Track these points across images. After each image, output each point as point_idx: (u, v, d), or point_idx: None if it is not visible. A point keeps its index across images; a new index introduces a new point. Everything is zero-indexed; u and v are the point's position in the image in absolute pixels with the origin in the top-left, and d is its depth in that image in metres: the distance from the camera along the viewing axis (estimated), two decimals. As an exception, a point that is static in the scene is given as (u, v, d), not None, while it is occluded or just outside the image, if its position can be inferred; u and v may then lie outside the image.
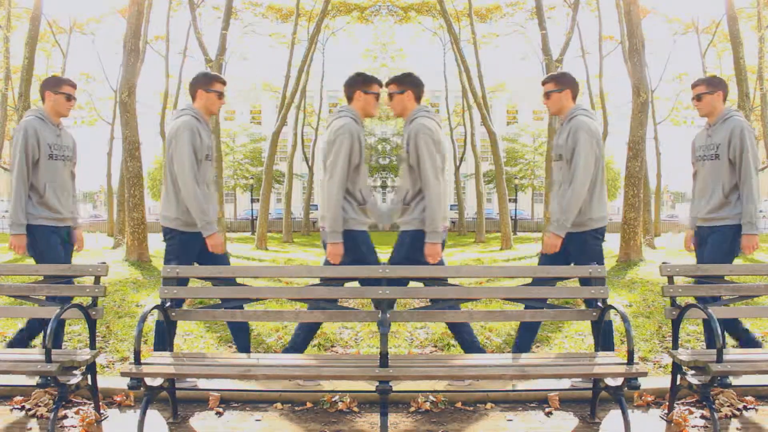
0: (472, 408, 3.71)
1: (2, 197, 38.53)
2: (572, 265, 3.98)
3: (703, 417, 3.50)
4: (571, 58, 26.73)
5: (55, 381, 3.19)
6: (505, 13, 27.23)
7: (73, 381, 3.31)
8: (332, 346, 5.26)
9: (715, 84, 4.12)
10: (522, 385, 3.88)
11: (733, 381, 3.68)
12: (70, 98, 4.10)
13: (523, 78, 38.31)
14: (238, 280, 3.93)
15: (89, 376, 3.45)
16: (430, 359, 3.99)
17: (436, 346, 5.23)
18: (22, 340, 4.05)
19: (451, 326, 4.14)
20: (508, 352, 4.99)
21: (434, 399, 3.74)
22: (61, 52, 25.60)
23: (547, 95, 4.14)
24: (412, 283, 3.83)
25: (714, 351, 3.15)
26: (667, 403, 3.57)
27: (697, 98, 4.12)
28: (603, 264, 3.76)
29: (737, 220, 3.96)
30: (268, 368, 3.32)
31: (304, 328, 4.06)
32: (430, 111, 4.08)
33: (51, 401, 3.64)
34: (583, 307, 3.67)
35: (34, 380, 3.72)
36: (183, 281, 3.65)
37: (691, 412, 3.54)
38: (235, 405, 3.75)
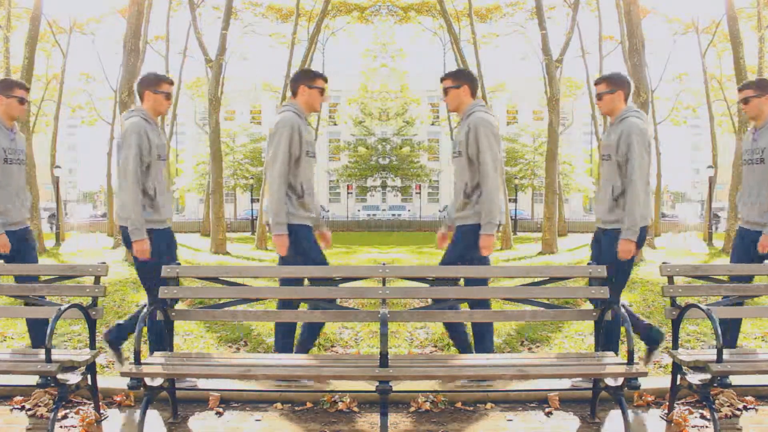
0: (472, 408, 3.71)
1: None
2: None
3: (703, 417, 3.50)
4: (571, 58, 26.75)
5: (55, 381, 3.19)
6: (505, 13, 27.23)
7: (73, 381, 3.31)
8: (332, 346, 5.27)
9: (763, 87, 4.04)
10: (522, 385, 3.88)
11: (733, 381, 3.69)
12: (23, 101, 4.05)
13: (523, 78, 38.30)
14: (238, 280, 3.92)
15: (89, 376, 3.45)
16: (430, 359, 3.99)
17: (436, 346, 5.23)
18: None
19: (449, 325, 4.15)
20: (509, 352, 4.99)
21: (434, 399, 3.74)
22: (61, 52, 25.59)
23: (599, 96, 4.10)
24: (411, 283, 3.83)
25: (714, 351, 3.15)
26: (667, 403, 3.57)
27: (744, 101, 4.06)
28: (632, 265, 3.74)
29: None
30: (268, 368, 3.32)
31: (308, 328, 4.06)
32: (485, 106, 4.09)
33: (51, 401, 3.64)
34: (583, 307, 3.67)
35: (34, 380, 3.72)
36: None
37: (691, 412, 3.54)
38: (235, 405, 3.75)
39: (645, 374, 3.13)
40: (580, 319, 4.19)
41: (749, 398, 3.73)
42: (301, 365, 3.44)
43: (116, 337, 4.04)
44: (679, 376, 3.45)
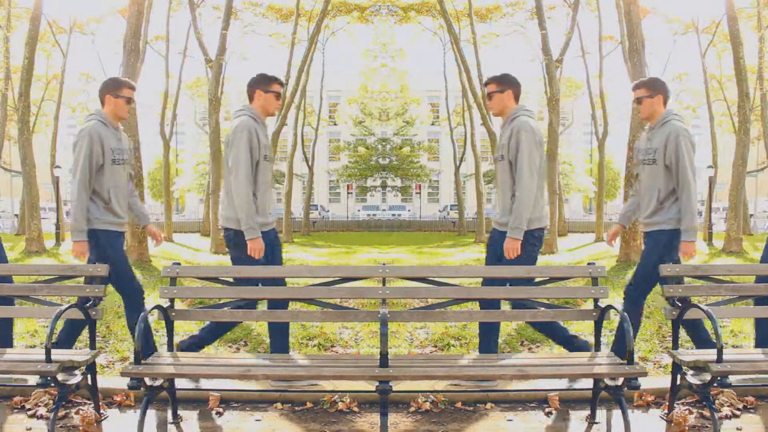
0: (472, 408, 3.71)
1: (2, 197, 38.54)
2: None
3: (703, 417, 3.50)
4: (571, 58, 26.76)
5: (55, 381, 3.19)
6: (505, 13, 27.24)
7: (73, 381, 3.31)
8: (332, 346, 5.27)
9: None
10: (522, 385, 3.88)
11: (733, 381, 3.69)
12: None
13: (523, 78, 38.25)
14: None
15: (89, 376, 3.45)
16: (430, 359, 3.99)
17: (436, 346, 5.23)
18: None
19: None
20: (509, 352, 4.99)
21: (434, 399, 3.75)
22: (61, 52, 25.60)
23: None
24: (411, 283, 3.83)
25: (714, 351, 3.15)
26: (667, 403, 3.57)
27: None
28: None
29: None
30: (268, 368, 3.32)
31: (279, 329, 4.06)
32: (530, 111, 4.09)
33: (51, 401, 3.64)
34: (583, 307, 3.67)
35: (34, 380, 3.72)
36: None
37: (691, 412, 3.54)
38: (235, 405, 3.75)
39: (645, 374, 3.13)
40: (580, 319, 4.18)
41: (749, 398, 3.73)
42: (301, 365, 3.44)
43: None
44: (679, 376, 3.45)
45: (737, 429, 3.38)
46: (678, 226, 3.90)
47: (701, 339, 3.92)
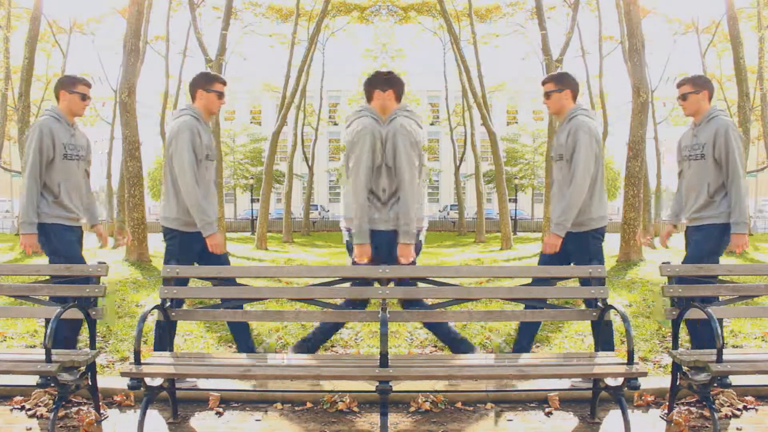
0: (472, 408, 3.71)
1: (3, 197, 38.54)
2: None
3: (703, 417, 3.50)
4: (571, 58, 26.71)
5: (55, 381, 3.19)
6: (505, 13, 27.21)
7: (73, 381, 3.31)
8: (332, 346, 5.26)
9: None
10: (522, 385, 3.88)
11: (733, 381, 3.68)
12: (85, 98, 4.10)
13: (523, 78, 38.30)
14: (238, 280, 3.93)
15: (89, 376, 3.45)
16: (430, 359, 3.99)
17: (436, 346, 5.23)
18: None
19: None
20: (509, 352, 4.99)
21: (434, 399, 3.74)
22: (61, 52, 25.59)
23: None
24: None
25: (714, 351, 3.15)
26: (667, 403, 3.57)
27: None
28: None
29: None
30: (268, 368, 3.32)
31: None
32: (588, 110, 4.10)
33: (51, 401, 3.64)
34: (583, 307, 3.67)
35: (34, 380, 3.72)
36: (183, 281, 3.65)
37: (691, 412, 3.54)
38: (235, 405, 3.75)
39: (645, 374, 3.13)
40: (580, 319, 4.19)
41: (749, 398, 3.73)
42: (301, 365, 3.44)
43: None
44: (679, 376, 3.45)
45: (737, 429, 3.38)
46: (728, 219, 3.95)
47: (700, 339, 3.93)
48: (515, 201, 33.28)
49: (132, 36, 12.63)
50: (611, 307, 3.46)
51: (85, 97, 4.10)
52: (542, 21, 17.76)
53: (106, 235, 4.50)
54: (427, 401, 3.72)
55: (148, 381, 3.23)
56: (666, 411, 3.56)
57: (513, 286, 3.93)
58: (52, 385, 3.30)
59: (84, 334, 5.31)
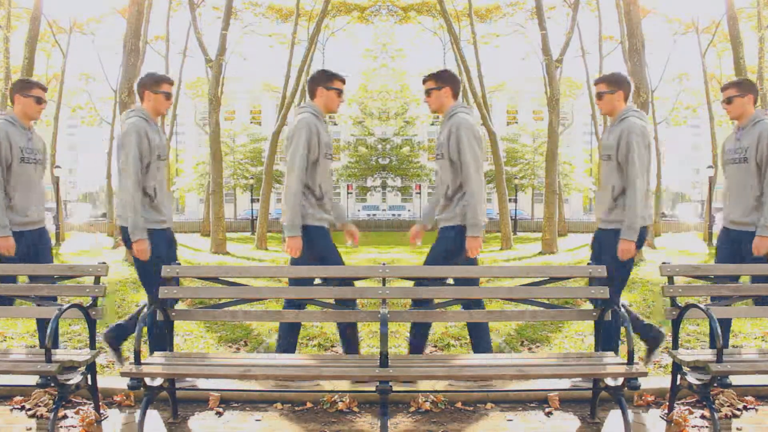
0: (472, 408, 3.71)
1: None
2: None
3: (703, 417, 3.50)
4: (571, 58, 26.75)
5: (55, 381, 3.19)
6: (505, 13, 27.24)
7: (73, 381, 3.31)
8: (332, 346, 5.27)
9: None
10: (522, 385, 3.88)
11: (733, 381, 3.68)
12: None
13: (523, 78, 38.30)
14: (238, 280, 3.93)
15: (89, 376, 3.45)
16: (430, 359, 3.99)
17: (436, 346, 5.23)
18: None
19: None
20: (509, 351, 4.99)
21: (434, 399, 3.74)
22: (61, 52, 25.61)
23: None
24: (411, 284, 3.83)
25: (714, 351, 3.15)
26: (667, 403, 3.57)
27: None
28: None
29: None
30: (268, 368, 3.32)
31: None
32: (639, 111, 4.08)
33: (51, 401, 3.64)
34: (583, 307, 3.67)
35: (34, 380, 3.72)
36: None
37: (691, 412, 3.54)
38: (235, 405, 3.75)
39: (645, 374, 3.13)
40: (580, 319, 4.19)
41: (749, 398, 3.73)
42: (301, 365, 3.44)
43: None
44: (679, 376, 3.45)
45: (737, 429, 3.38)
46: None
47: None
48: (515, 201, 33.26)
49: (132, 36, 12.63)
50: (611, 306, 3.46)
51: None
52: (542, 21, 17.77)
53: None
54: (427, 401, 3.72)
55: (148, 381, 3.23)
56: (666, 411, 3.56)
57: (513, 286, 3.92)
58: (52, 385, 3.30)
59: (84, 334, 5.32)
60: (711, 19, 25.32)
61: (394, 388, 3.20)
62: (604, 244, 3.96)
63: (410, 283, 3.83)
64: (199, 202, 45.24)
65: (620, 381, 3.20)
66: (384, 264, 3.64)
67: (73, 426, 3.39)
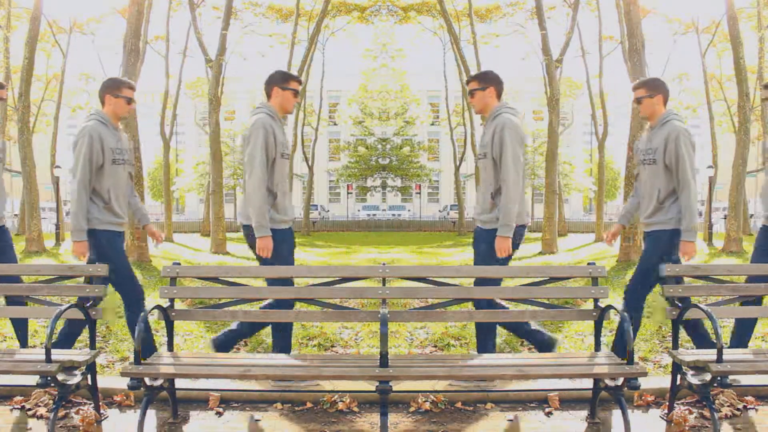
0: (472, 408, 3.71)
1: (8, 197, 38.53)
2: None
3: (703, 417, 3.50)
4: (571, 58, 26.77)
5: (55, 381, 3.19)
6: (505, 13, 27.23)
7: (73, 381, 3.31)
8: (332, 346, 5.27)
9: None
10: (522, 385, 3.88)
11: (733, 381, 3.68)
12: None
13: (523, 78, 38.31)
14: (238, 280, 3.93)
15: (89, 376, 3.45)
16: (430, 359, 3.99)
17: (436, 346, 5.23)
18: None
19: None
20: (509, 352, 4.99)
21: (434, 399, 3.75)
22: (61, 52, 25.60)
23: (638, 101, 4.10)
24: (411, 283, 3.83)
25: (714, 351, 3.15)
26: (667, 403, 3.57)
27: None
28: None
29: None
30: (268, 368, 3.32)
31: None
32: (678, 114, 4.08)
33: (51, 401, 3.64)
34: (583, 307, 3.67)
35: (34, 380, 3.71)
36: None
37: (691, 412, 3.54)
38: (235, 405, 3.75)
39: (645, 374, 3.13)
40: (580, 319, 4.18)
41: (749, 398, 3.73)
42: (301, 365, 3.44)
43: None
44: (679, 376, 3.45)
45: (737, 429, 3.38)
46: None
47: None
48: (515, 201, 33.25)
49: (132, 36, 12.64)
50: (611, 307, 3.46)
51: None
52: (542, 21, 17.77)
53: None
54: (427, 401, 3.72)
55: (148, 381, 3.23)
56: (666, 411, 3.56)
57: (513, 286, 3.93)
58: (52, 385, 3.30)
59: (84, 334, 5.32)
60: (711, 19, 25.32)
61: (394, 389, 3.20)
62: (660, 243, 3.99)
63: (410, 284, 3.82)
64: (199, 202, 45.31)
65: (620, 381, 3.20)
66: (384, 264, 3.64)
67: (73, 426, 3.39)
